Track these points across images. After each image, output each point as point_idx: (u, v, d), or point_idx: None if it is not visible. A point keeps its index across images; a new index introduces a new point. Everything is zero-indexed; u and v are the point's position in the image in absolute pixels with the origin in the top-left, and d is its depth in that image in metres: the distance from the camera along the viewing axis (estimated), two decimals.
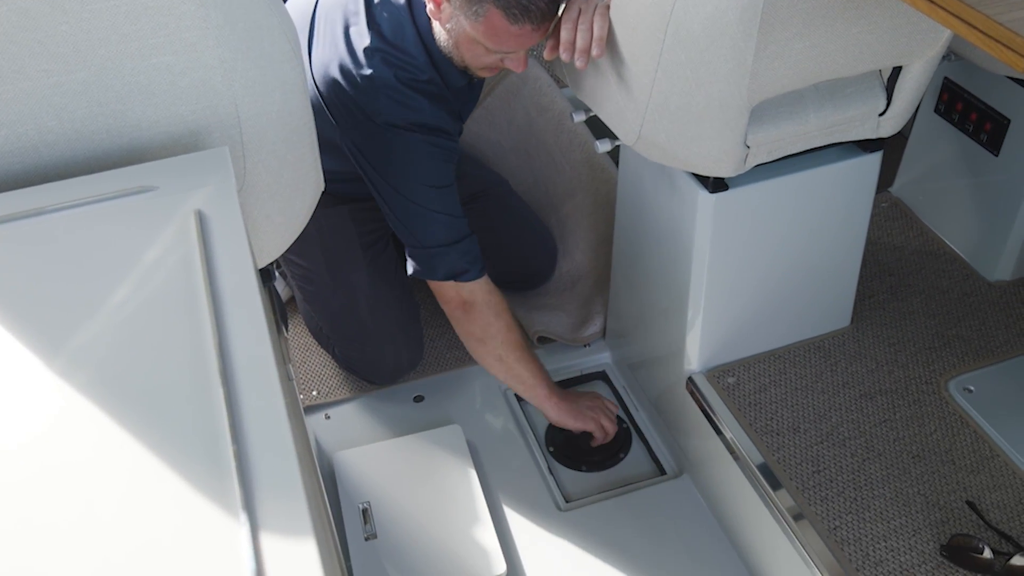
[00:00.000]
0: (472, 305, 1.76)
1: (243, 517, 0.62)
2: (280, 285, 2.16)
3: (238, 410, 0.69)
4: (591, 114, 1.63)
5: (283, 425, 0.68)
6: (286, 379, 1.16)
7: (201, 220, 0.88)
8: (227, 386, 0.71)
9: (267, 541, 0.61)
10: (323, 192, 1.30)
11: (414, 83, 1.60)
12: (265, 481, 0.64)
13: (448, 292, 1.75)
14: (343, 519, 1.73)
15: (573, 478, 1.88)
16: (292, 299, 2.16)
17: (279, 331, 1.31)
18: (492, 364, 1.83)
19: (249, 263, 0.83)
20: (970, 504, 1.46)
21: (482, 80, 1.73)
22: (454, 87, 1.66)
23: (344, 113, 1.64)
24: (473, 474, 1.80)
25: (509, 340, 1.80)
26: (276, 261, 2.09)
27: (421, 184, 1.65)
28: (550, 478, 1.85)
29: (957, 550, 1.39)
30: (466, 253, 1.71)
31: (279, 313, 1.33)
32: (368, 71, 1.58)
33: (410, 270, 1.74)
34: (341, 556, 1.62)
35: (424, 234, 1.69)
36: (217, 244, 0.85)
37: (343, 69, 1.61)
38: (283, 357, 1.30)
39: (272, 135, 1.09)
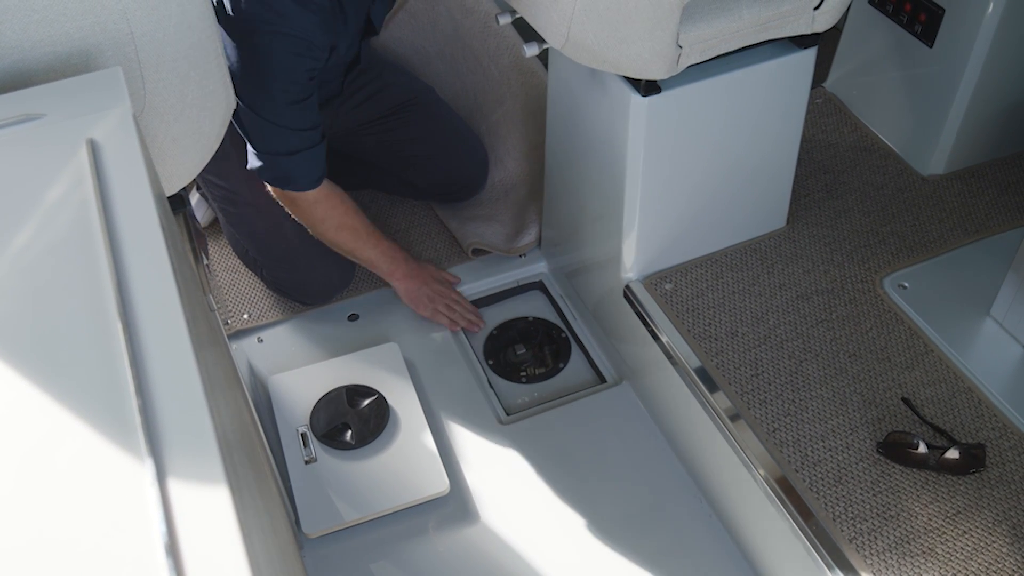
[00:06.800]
0: (296, 203, 1.73)
1: (150, 471, 0.57)
2: (202, 207, 2.07)
3: (142, 360, 0.64)
4: (517, 16, 1.55)
5: (191, 372, 0.63)
6: (206, 311, 1.11)
7: (94, 149, 0.80)
8: (129, 333, 0.65)
9: (177, 496, 0.57)
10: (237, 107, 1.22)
11: None
12: (174, 437, 0.60)
13: (272, 186, 1.73)
14: (281, 444, 1.70)
15: (513, 390, 1.86)
16: (216, 221, 2.08)
17: (197, 260, 1.25)
18: (330, 245, 1.84)
19: (148, 195, 0.76)
20: (905, 401, 1.47)
21: None
22: None
23: None
24: (412, 392, 1.78)
25: (340, 236, 1.78)
26: (195, 183, 2.01)
27: (269, 97, 1.56)
28: (490, 392, 1.83)
29: (893, 447, 1.41)
30: (298, 166, 1.65)
31: (196, 241, 1.26)
32: None
33: (248, 163, 1.68)
34: (279, 482, 1.60)
35: (258, 140, 1.62)
36: (113, 176, 0.78)
37: None
38: (203, 287, 1.24)
39: (171, 51, 1.01)
